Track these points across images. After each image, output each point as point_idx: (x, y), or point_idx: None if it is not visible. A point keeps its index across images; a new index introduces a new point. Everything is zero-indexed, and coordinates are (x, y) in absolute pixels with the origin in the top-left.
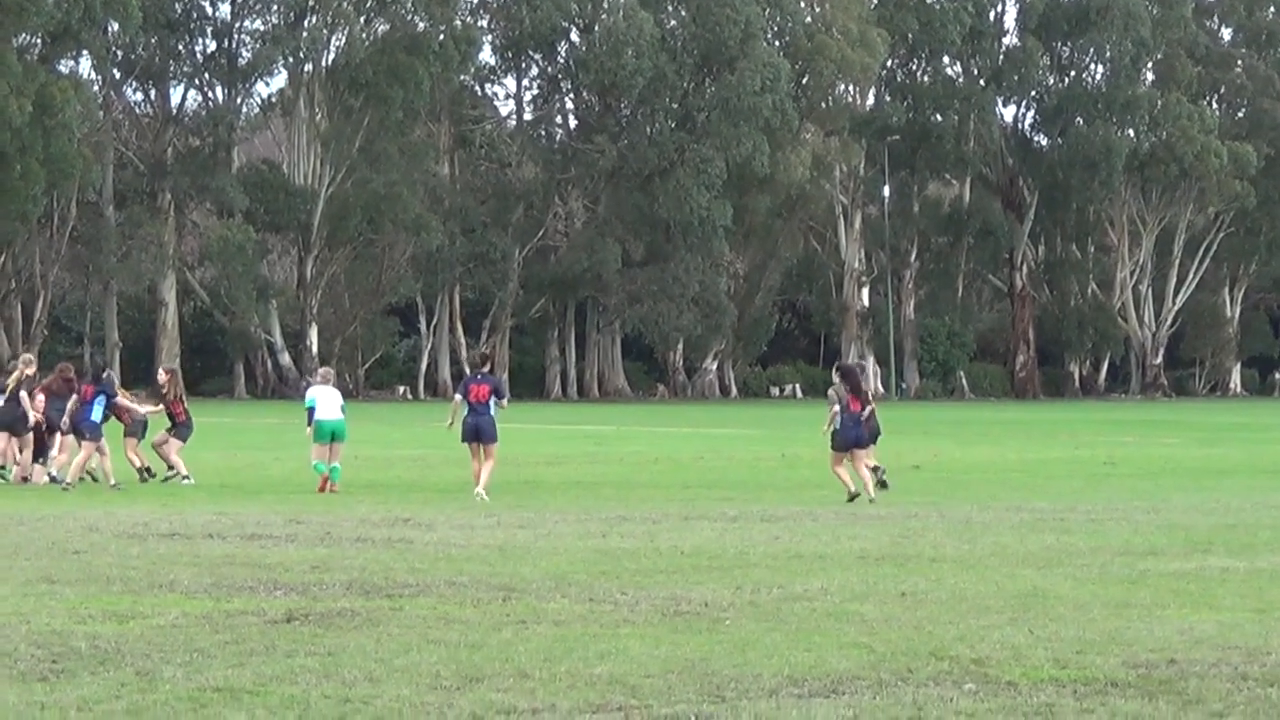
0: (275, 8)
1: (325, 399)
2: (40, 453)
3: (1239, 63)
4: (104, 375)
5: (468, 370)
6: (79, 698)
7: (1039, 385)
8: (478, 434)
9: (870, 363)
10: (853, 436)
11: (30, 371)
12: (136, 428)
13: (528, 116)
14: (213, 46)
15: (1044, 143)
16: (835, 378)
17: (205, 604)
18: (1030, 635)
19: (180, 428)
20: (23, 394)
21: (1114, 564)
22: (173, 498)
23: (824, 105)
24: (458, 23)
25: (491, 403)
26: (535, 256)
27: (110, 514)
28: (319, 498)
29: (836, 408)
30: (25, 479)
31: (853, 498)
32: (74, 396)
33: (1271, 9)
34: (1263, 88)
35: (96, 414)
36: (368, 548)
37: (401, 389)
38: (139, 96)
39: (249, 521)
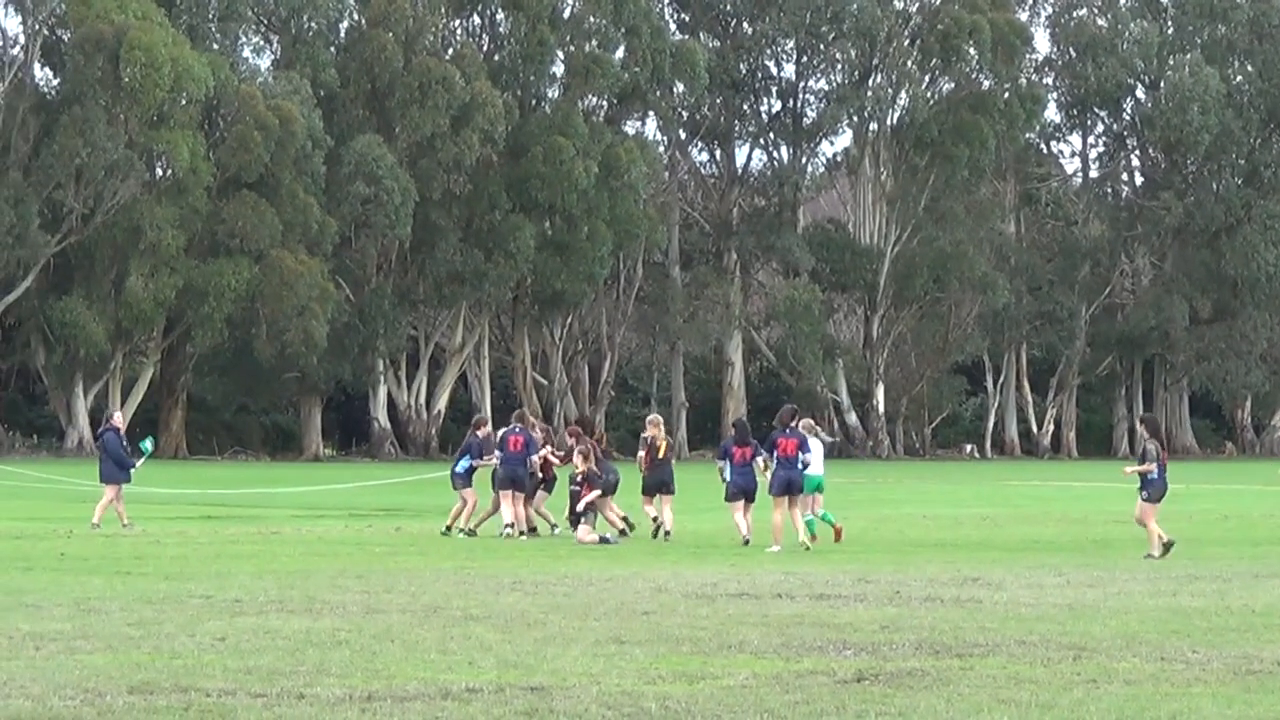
0: (840, 67)
1: (815, 451)
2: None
3: None
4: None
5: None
6: None
7: None
8: (789, 486)
9: None
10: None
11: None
12: (608, 485)
13: (1093, 174)
14: (778, 106)
15: None
16: (1145, 431)
17: (775, 664)
18: None
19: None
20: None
21: None
22: (741, 558)
23: None
24: (1023, 81)
25: (799, 457)
26: (1101, 314)
27: (678, 574)
28: (888, 557)
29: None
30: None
31: (1168, 547)
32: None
33: None
34: None
35: (759, 470)
36: (937, 607)
37: (969, 447)
38: (704, 156)
39: (817, 581)
